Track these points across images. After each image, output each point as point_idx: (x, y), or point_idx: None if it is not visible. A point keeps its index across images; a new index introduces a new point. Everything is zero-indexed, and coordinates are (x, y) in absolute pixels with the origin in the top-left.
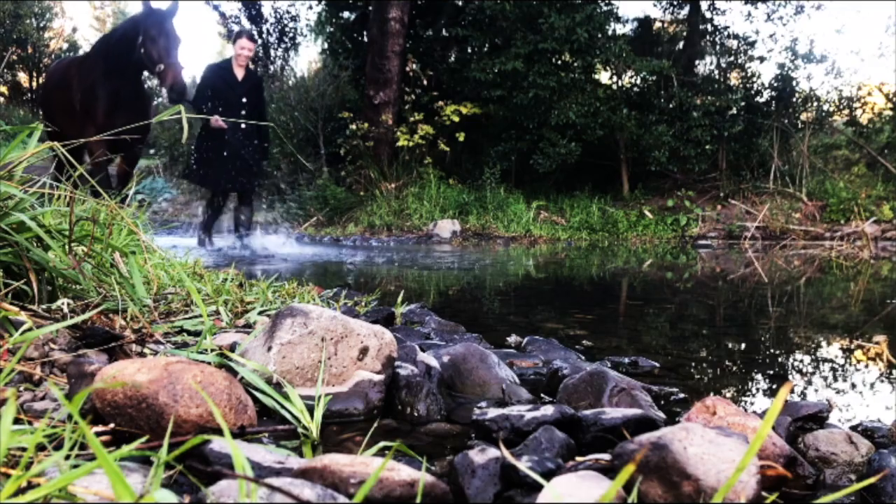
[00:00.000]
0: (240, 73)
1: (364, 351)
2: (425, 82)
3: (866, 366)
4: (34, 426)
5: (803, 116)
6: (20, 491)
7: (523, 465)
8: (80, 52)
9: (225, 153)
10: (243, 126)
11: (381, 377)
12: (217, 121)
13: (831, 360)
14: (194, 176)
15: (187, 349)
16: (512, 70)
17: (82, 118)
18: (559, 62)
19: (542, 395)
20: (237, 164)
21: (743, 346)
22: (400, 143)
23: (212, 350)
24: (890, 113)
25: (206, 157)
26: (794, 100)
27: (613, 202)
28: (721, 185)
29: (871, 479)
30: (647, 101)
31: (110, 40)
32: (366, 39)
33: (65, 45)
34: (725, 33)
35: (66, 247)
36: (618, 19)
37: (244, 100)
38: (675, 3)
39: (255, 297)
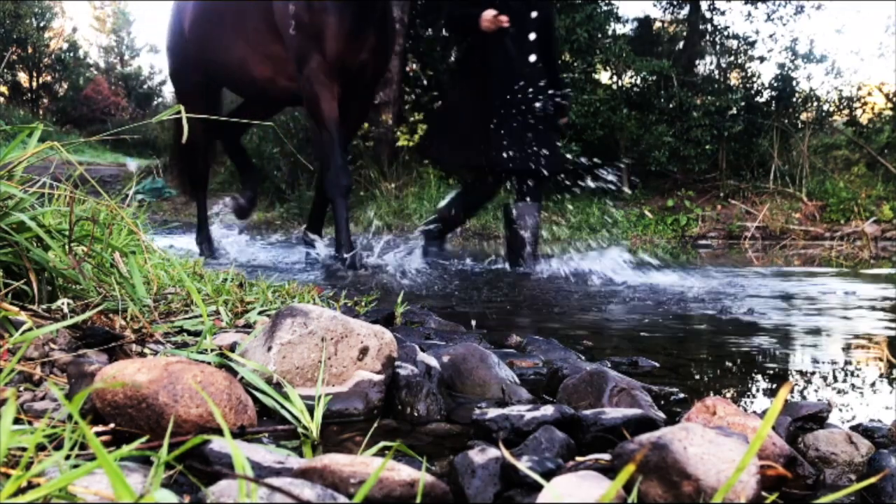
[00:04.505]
0: None
1: (364, 351)
2: (425, 82)
3: (866, 366)
4: (34, 426)
5: (803, 116)
6: (20, 491)
7: (523, 465)
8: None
9: (515, 109)
10: (534, 61)
11: (381, 377)
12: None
13: (831, 360)
14: (467, 153)
15: (187, 349)
16: None
17: (298, 54)
18: (559, 62)
19: (543, 395)
20: (533, 128)
21: (743, 346)
22: (400, 143)
23: (212, 350)
24: (890, 113)
25: (481, 116)
26: (795, 100)
27: (613, 202)
28: (721, 185)
29: (872, 479)
30: (647, 101)
31: None
32: None
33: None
34: (725, 33)
35: (66, 247)
36: (618, 19)
37: (533, 14)
38: (675, 3)
39: (255, 297)
